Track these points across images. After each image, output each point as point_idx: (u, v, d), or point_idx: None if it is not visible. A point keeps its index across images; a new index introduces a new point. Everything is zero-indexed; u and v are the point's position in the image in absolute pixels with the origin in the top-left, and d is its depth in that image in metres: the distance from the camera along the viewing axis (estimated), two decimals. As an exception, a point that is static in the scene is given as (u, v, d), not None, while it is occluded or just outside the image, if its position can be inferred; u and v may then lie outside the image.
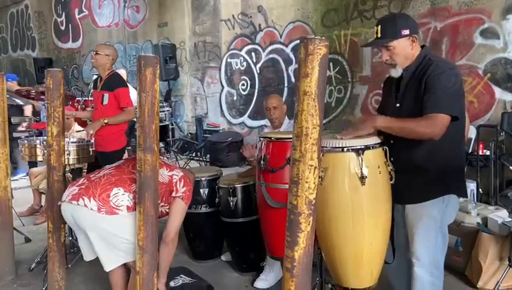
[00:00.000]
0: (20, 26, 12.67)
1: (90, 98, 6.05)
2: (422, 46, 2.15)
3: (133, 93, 6.04)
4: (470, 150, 4.17)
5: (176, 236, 2.48)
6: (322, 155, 2.01)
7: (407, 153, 2.08)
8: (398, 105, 2.14)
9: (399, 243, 2.24)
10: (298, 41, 1.48)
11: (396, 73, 2.14)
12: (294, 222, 1.49)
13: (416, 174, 2.09)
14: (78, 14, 10.46)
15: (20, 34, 12.74)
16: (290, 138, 1.55)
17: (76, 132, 4.52)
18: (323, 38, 1.42)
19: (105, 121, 3.58)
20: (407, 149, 2.07)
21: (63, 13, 10.95)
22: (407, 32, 2.05)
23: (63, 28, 11.05)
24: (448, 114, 1.94)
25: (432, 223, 2.09)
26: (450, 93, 1.97)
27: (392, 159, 2.13)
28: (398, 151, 2.11)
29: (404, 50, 2.07)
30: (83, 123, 4.86)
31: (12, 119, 5.08)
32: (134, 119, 5.22)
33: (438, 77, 1.97)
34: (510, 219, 2.94)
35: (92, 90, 4.06)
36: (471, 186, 3.81)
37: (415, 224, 2.11)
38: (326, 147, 2.03)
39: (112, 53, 3.78)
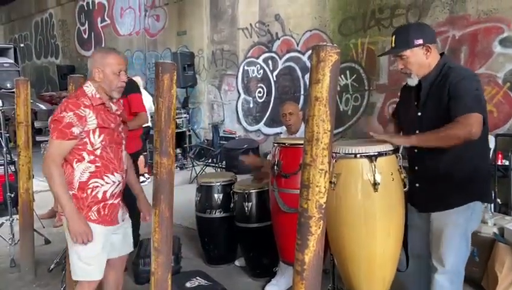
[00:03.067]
0: (44, 34, 13.05)
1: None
2: (442, 54, 2.16)
3: (148, 100, 6.12)
4: (489, 160, 4.11)
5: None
6: (335, 161, 2.04)
7: (431, 161, 2.09)
8: (419, 114, 2.14)
9: (422, 251, 2.23)
10: (312, 48, 1.51)
11: (412, 82, 2.15)
12: (304, 225, 1.52)
13: (441, 182, 2.09)
14: (101, 23, 10.72)
15: (44, 42, 13.11)
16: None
17: None
18: (335, 45, 1.45)
19: None
20: (431, 157, 2.07)
21: (86, 22, 11.24)
22: (420, 41, 2.07)
23: (85, 36, 11.33)
24: (479, 113, 1.94)
25: (457, 230, 2.08)
26: (475, 97, 1.98)
27: (416, 167, 2.14)
28: (422, 159, 2.12)
29: (418, 59, 2.08)
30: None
31: (35, 124, 5.24)
32: (150, 125, 5.30)
33: (461, 82, 1.99)
34: (528, 230, 2.89)
35: None
36: (489, 196, 3.75)
37: (441, 231, 2.10)
38: (339, 153, 2.06)
39: None
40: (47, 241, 4.04)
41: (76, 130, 2.06)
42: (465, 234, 2.11)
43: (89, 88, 2.16)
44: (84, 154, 2.12)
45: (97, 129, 2.12)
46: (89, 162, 2.13)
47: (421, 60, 2.09)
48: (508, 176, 3.96)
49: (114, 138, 2.21)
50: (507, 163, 4.02)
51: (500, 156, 4.08)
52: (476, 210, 2.11)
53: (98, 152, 2.13)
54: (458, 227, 2.08)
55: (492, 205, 3.78)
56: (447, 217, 2.09)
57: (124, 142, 2.31)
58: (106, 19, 10.54)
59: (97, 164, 2.14)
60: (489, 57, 4.57)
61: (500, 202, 3.96)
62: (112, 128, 2.18)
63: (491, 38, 4.56)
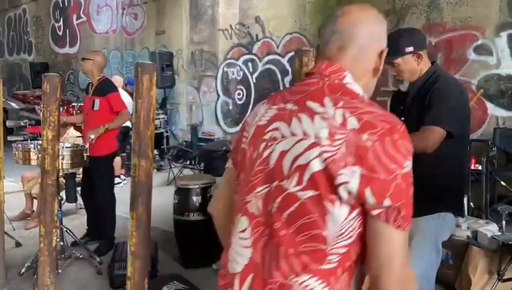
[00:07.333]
0: (17, 30, 12.69)
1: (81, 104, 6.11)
2: (434, 62, 2.18)
3: (126, 97, 6.04)
4: (462, 164, 4.21)
5: None
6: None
7: None
8: (403, 119, 2.16)
9: None
10: (294, 52, 1.51)
11: (404, 88, 2.18)
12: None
13: (415, 189, 2.11)
14: (76, 20, 10.49)
15: (17, 38, 12.74)
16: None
17: (76, 137, 4.53)
18: (318, 50, 1.45)
19: (106, 126, 3.60)
20: None
21: (61, 18, 10.98)
22: (410, 49, 2.08)
23: (60, 33, 11.07)
24: (443, 128, 1.96)
25: (426, 237, 2.09)
26: (451, 109, 1.99)
27: None
28: None
29: (409, 66, 2.10)
30: (78, 127, 4.87)
31: (6, 123, 5.08)
32: (129, 125, 5.25)
33: (442, 92, 2.01)
34: (500, 233, 2.97)
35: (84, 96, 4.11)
36: (463, 200, 3.84)
37: (410, 239, 2.12)
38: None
39: (96, 58, 3.81)
40: (18, 244, 3.91)
41: None
42: (435, 242, 2.12)
43: None
44: None
45: None
46: None
47: (412, 67, 2.11)
48: (480, 181, 4.06)
49: None
50: (480, 168, 4.12)
51: (473, 160, 4.18)
52: (447, 221, 2.13)
53: None
54: (427, 236, 2.09)
55: (466, 208, 3.87)
56: (416, 224, 2.11)
57: None
58: (82, 15, 10.32)
59: None
60: (464, 63, 4.70)
61: (473, 206, 4.06)
62: None
63: (466, 46, 4.68)
